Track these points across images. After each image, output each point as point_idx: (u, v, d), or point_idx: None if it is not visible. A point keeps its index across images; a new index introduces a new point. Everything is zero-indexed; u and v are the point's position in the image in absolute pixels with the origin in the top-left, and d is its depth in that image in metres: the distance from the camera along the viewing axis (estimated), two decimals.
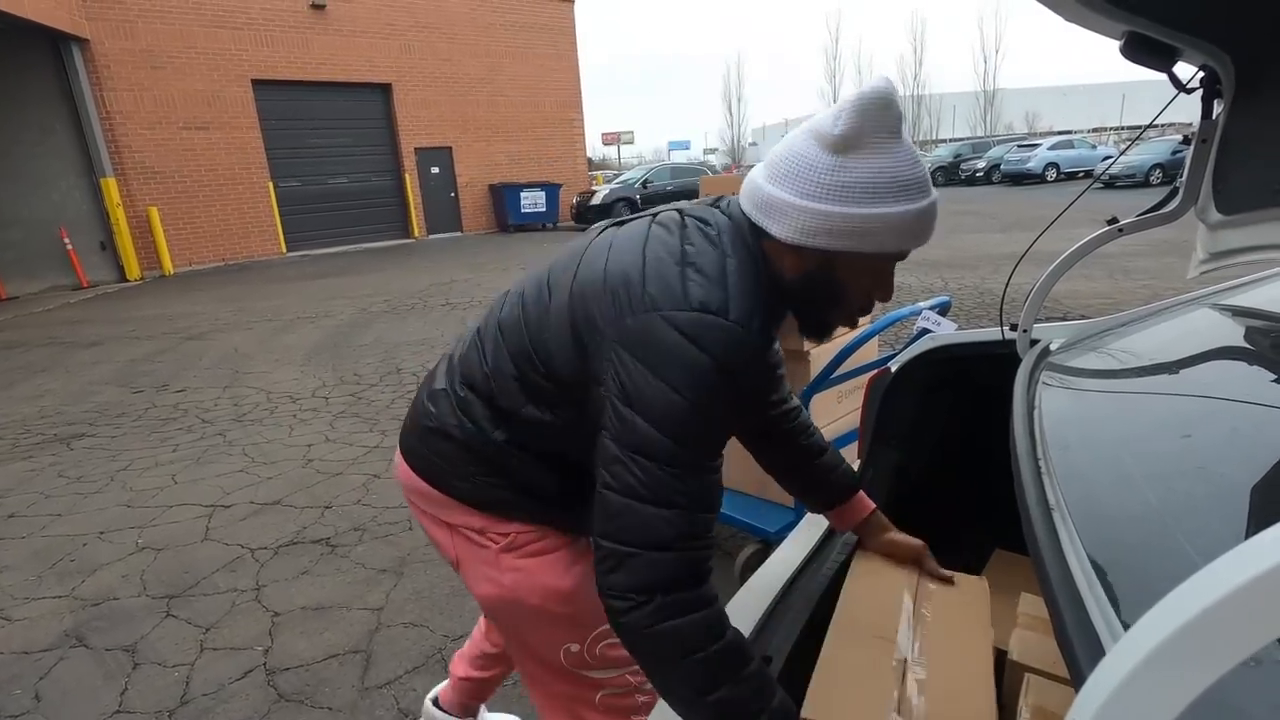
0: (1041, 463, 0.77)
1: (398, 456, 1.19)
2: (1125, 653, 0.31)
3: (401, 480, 1.18)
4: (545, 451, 1.03)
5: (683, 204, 0.98)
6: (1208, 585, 0.29)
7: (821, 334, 0.96)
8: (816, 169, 0.80)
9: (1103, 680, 0.32)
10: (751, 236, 0.89)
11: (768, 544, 2.26)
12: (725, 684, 0.81)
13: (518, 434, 1.02)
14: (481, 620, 1.54)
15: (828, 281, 0.87)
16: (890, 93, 0.78)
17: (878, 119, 0.78)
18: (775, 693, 0.85)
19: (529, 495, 1.05)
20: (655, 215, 0.96)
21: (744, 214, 0.90)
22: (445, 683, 1.65)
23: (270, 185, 14.17)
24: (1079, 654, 0.47)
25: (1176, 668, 0.30)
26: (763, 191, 0.86)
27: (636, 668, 0.96)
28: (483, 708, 1.71)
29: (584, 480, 0.94)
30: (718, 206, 0.95)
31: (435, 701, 1.64)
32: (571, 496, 1.05)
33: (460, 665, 1.58)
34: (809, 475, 1.21)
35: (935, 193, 0.83)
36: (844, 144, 0.79)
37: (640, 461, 0.81)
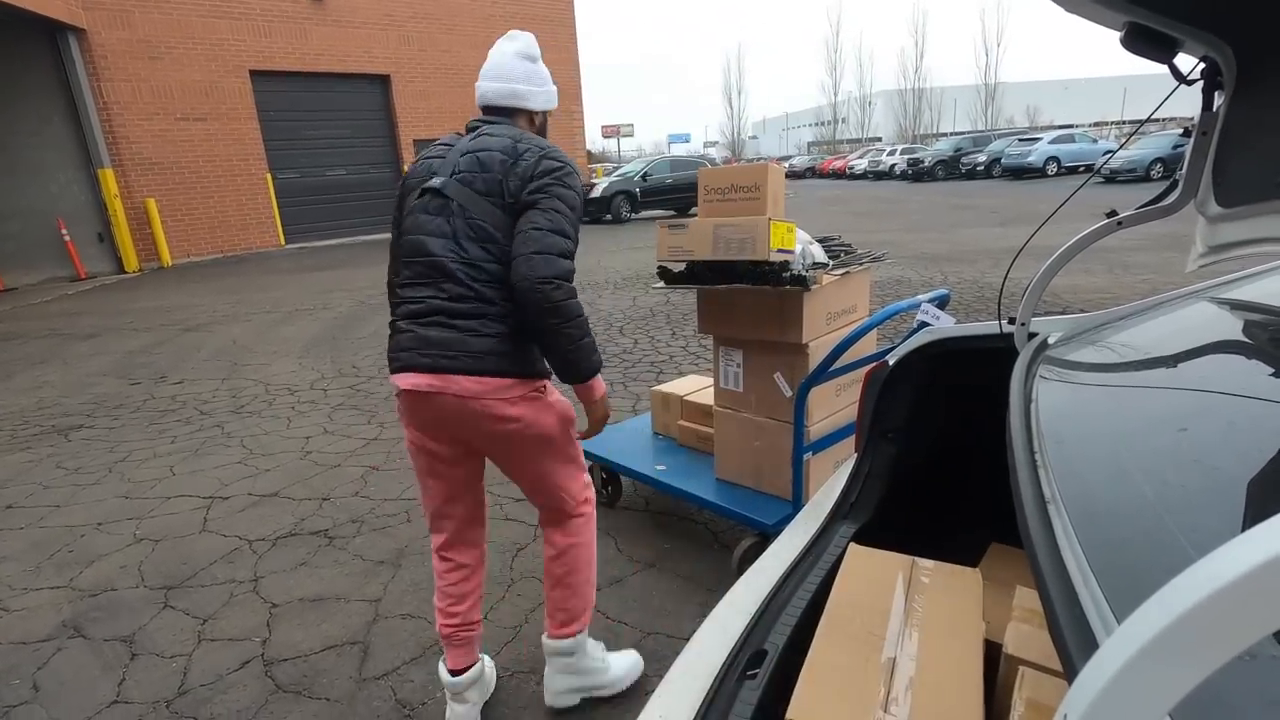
0: (1038, 456, 0.77)
1: (407, 380, 1.55)
2: (1118, 647, 0.31)
3: (450, 412, 1.53)
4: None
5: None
6: (1201, 580, 0.29)
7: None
8: (539, 79, 1.73)
9: (1096, 674, 0.32)
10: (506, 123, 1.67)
11: (765, 537, 2.27)
12: (588, 334, 1.54)
13: (506, 290, 1.52)
14: (444, 593, 1.78)
15: (543, 126, 1.77)
16: (527, 48, 1.71)
17: (526, 53, 1.72)
18: (591, 354, 1.57)
19: (530, 346, 1.57)
20: (470, 137, 1.68)
21: (492, 111, 1.72)
22: (447, 656, 1.80)
23: (268, 177, 14.13)
24: (1072, 648, 0.46)
25: (1170, 662, 0.30)
26: (510, 90, 1.70)
27: (584, 467, 1.78)
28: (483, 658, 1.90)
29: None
30: (485, 120, 1.71)
31: (455, 673, 1.78)
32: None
33: (446, 622, 1.77)
34: None
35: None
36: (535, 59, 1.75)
37: (550, 235, 1.49)
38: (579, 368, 1.54)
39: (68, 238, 11.43)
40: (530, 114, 1.71)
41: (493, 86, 1.65)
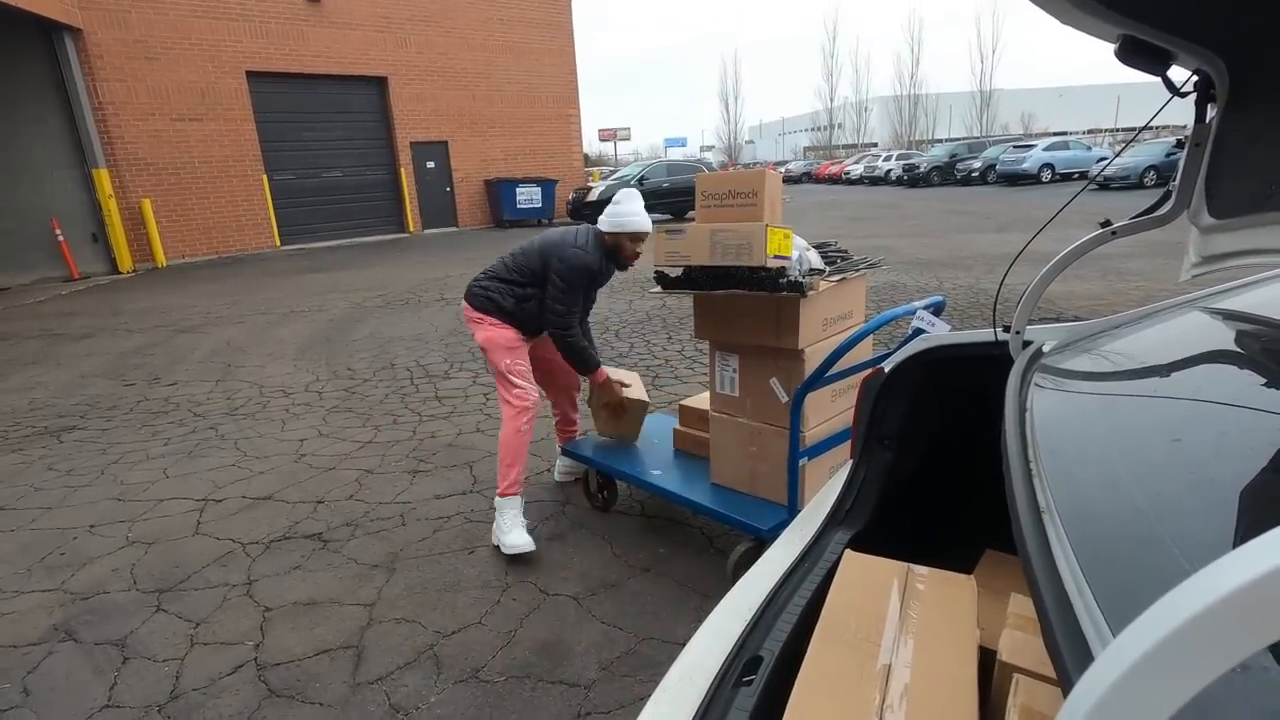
0: (1032, 465, 0.77)
1: (464, 302, 2.83)
2: (1115, 658, 0.31)
3: (464, 312, 2.83)
4: (515, 295, 2.71)
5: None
6: (1196, 592, 0.29)
7: (616, 265, 2.81)
8: (615, 210, 2.72)
9: (1092, 686, 0.32)
10: (598, 233, 2.75)
11: (760, 542, 2.27)
12: (578, 354, 2.77)
13: (509, 284, 2.72)
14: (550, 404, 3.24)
15: (617, 245, 2.73)
16: (630, 191, 2.79)
17: (619, 194, 2.76)
18: (590, 359, 2.81)
19: (502, 311, 2.71)
20: (565, 227, 2.83)
21: (597, 228, 2.77)
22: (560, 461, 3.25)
23: (264, 178, 14.10)
24: (1066, 657, 0.47)
25: (1164, 675, 0.30)
26: (605, 218, 2.75)
27: (517, 384, 2.72)
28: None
29: (528, 317, 2.74)
30: (584, 226, 2.80)
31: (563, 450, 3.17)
32: (518, 317, 2.72)
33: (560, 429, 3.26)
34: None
35: (645, 217, 2.73)
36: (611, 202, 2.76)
37: (553, 304, 2.67)
38: (579, 368, 2.86)
39: (61, 238, 11.38)
40: (604, 234, 2.74)
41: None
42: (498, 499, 2.70)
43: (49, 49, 11.12)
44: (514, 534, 2.64)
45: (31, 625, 2.38)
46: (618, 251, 2.73)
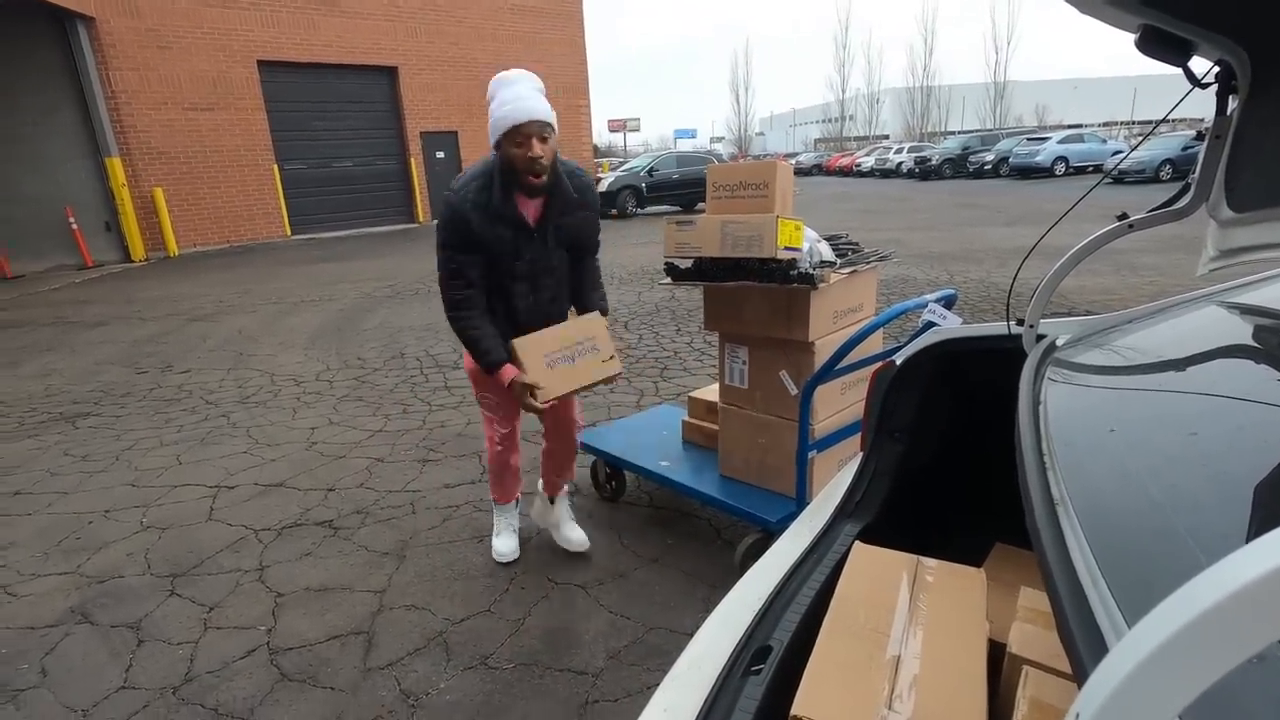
0: (1046, 458, 0.77)
1: None
2: (1132, 648, 0.32)
3: None
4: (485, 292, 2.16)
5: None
6: (1212, 584, 0.29)
7: (522, 189, 2.01)
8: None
9: (1109, 674, 0.32)
10: (496, 153, 2.01)
11: (768, 533, 2.27)
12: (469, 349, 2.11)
13: None
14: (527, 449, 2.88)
15: (506, 158, 1.96)
16: (515, 72, 1.96)
17: (499, 80, 1.94)
18: (485, 355, 2.08)
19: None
20: None
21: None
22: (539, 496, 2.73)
23: (275, 167, 14.15)
24: (1081, 648, 0.47)
25: (1182, 664, 0.30)
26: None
27: (485, 414, 2.38)
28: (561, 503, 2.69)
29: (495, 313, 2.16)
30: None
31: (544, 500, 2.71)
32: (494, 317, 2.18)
33: (515, 467, 2.59)
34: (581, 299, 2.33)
35: (525, 100, 1.91)
36: (490, 95, 1.95)
37: (439, 258, 2.06)
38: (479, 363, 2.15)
39: (75, 226, 11.47)
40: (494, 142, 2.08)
41: None
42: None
43: (62, 37, 11.17)
44: (498, 540, 2.60)
45: (49, 608, 2.42)
46: (512, 168, 1.95)
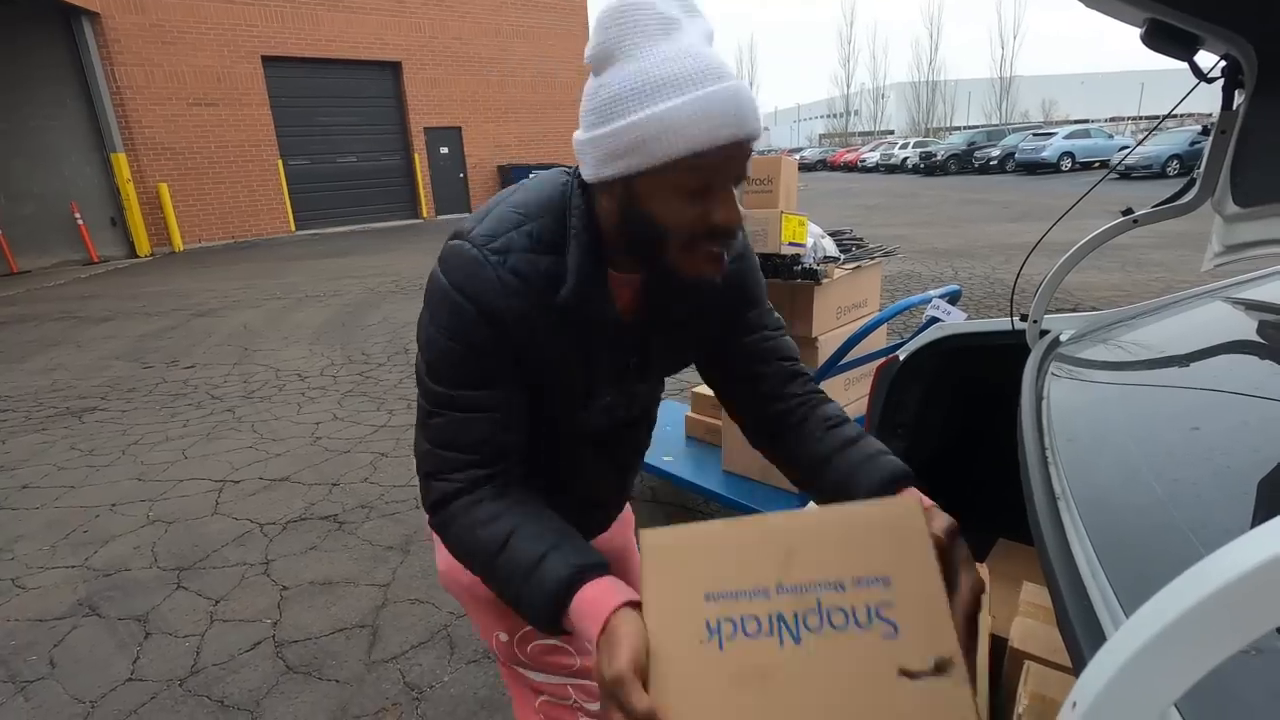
0: (1048, 453, 0.77)
1: None
2: (1128, 637, 0.32)
3: None
4: None
5: None
6: (1209, 574, 0.30)
7: (673, 281, 0.80)
8: (587, 97, 0.74)
9: (1105, 664, 0.32)
10: (576, 185, 0.81)
11: None
12: (490, 580, 0.80)
13: None
14: None
15: (639, 216, 0.74)
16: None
17: (624, 23, 0.70)
18: (528, 575, 0.75)
19: None
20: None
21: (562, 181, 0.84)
22: None
23: (280, 163, 14.16)
24: (1081, 640, 0.47)
25: (1177, 654, 0.30)
26: (574, 140, 0.78)
27: (580, 680, 1.04)
28: None
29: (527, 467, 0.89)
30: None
31: None
32: None
33: None
34: (839, 472, 0.89)
35: (729, 78, 0.70)
36: (597, 64, 0.73)
37: (419, 388, 0.84)
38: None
39: (81, 221, 11.50)
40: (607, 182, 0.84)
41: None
42: None
43: (68, 33, 11.19)
44: None
45: (57, 600, 2.44)
46: (643, 227, 0.75)
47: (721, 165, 0.71)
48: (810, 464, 0.93)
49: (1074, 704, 0.33)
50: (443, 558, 1.01)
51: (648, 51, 0.69)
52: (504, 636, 1.04)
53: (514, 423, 0.83)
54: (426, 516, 0.85)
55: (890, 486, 0.85)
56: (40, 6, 10.47)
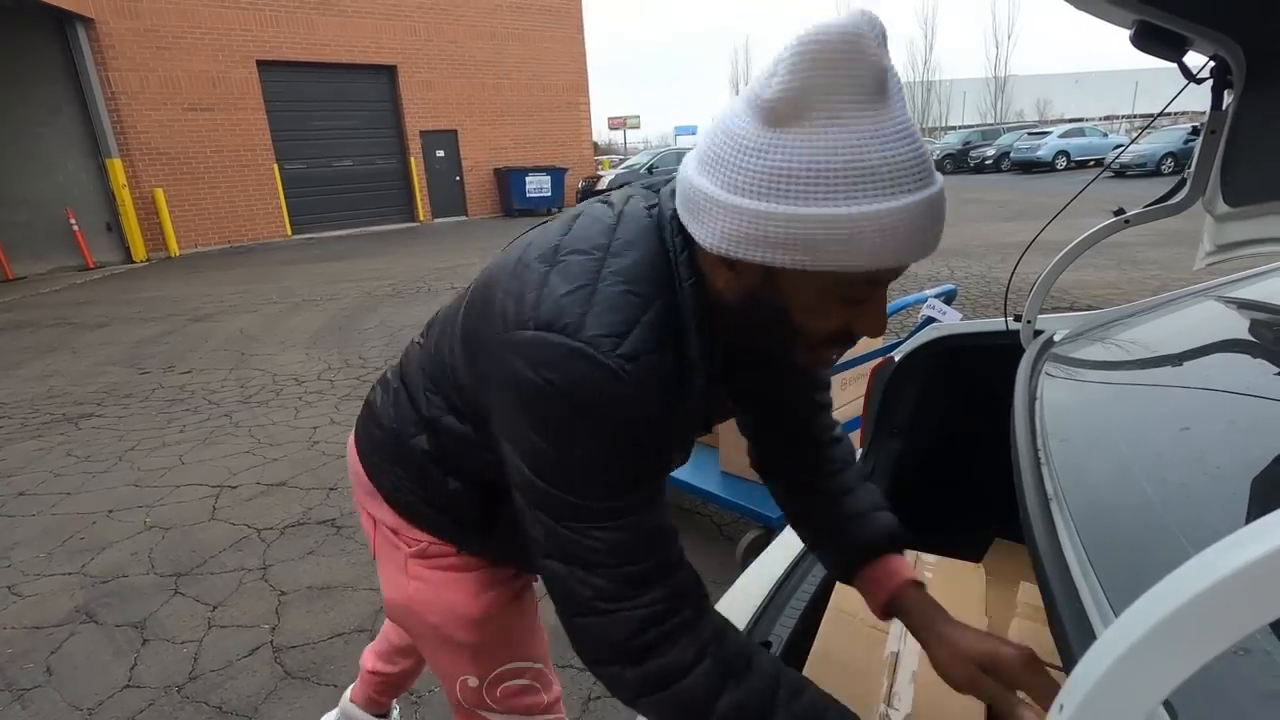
0: (1041, 453, 0.77)
1: (350, 435, 1.09)
2: (1115, 638, 0.32)
3: (348, 460, 1.07)
4: (466, 469, 0.87)
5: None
6: (1195, 574, 0.30)
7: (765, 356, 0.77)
8: (745, 150, 0.56)
9: (1093, 664, 0.33)
10: (678, 240, 0.65)
11: (769, 530, 2.28)
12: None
13: (439, 445, 0.87)
14: None
15: (774, 310, 0.62)
16: (856, 31, 0.52)
17: (832, 72, 0.52)
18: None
19: (445, 514, 0.91)
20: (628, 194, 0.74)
21: (675, 210, 0.66)
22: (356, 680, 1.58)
23: (275, 167, 14.15)
24: (1072, 641, 0.47)
25: (1164, 654, 0.31)
26: (688, 182, 0.62)
27: (550, 716, 1.02)
28: (394, 706, 1.64)
29: (506, 504, 0.76)
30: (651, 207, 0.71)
31: (350, 698, 1.59)
32: (491, 521, 0.89)
33: (369, 659, 1.48)
34: (829, 523, 0.92)
35: (940, 181, 0.57)
36: (780, 113, 0.53)
37: (539, 515, 0.67)
38: None
39: (76, 227, 11.47)
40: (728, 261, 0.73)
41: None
42: None
43: (62, 38, 11.17)
44: None
45: (54, 607, 2.43)
46: (773, 321, 0.65)
47: (892, 275, 0.59)
48: (815, 531, 0.96)
49: (1061, 706, 0.33)
50: (398, 588, 0.95)
51: (855, 122, 0.52)
52: (474, 681, 0.98)
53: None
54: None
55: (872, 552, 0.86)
56: (33, 12, 10.45)
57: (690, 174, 0.62)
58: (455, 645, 0.96)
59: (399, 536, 0.96)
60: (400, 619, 0.99)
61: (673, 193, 0.68)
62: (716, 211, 0.58)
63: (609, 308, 0.61)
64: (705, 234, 0.60)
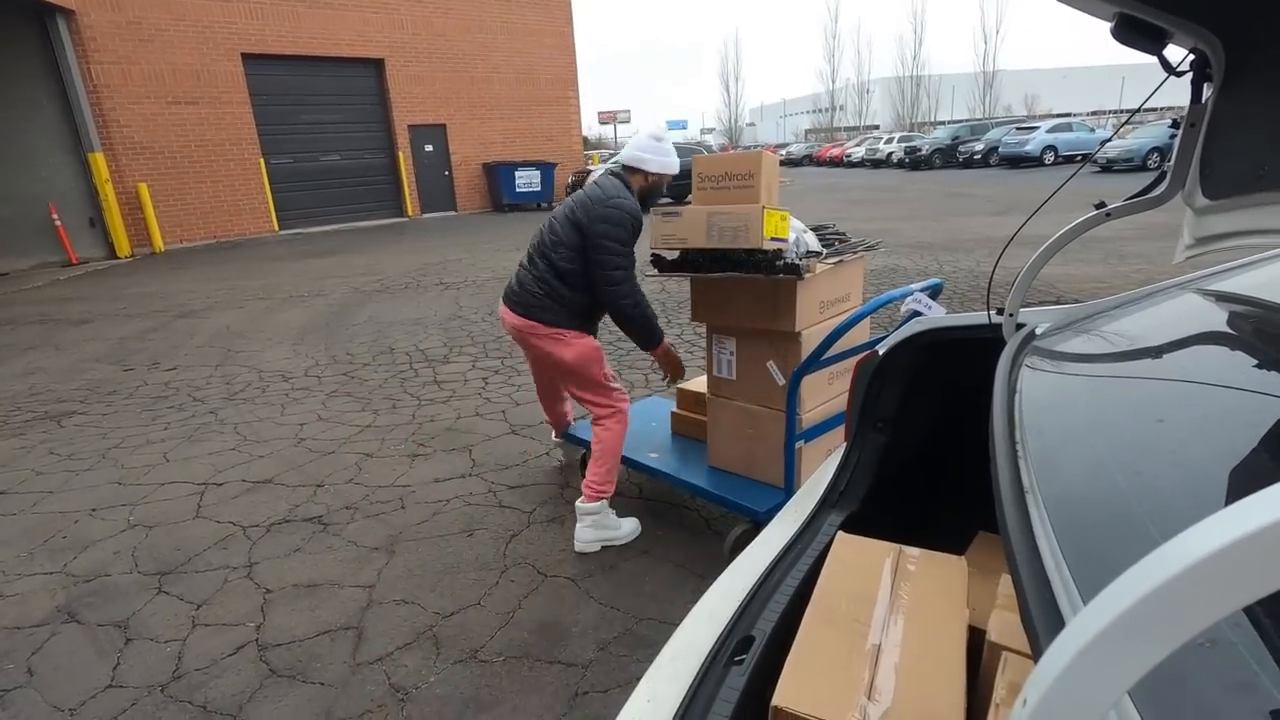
0: (1019, 446, 0.78)
1: (502, 309, 2.57)
2: (1079, 629, 0.32)
3: (507, 323, 2.54)
4: (579, 285, 2.42)
5: (605, 167, 2.55)
6: (1156, 566, 0.30)
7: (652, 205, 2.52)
8: (651, 147, 2.50)
9: (1057, 655, 0.33)
10: (623, 175, 2.47)
11: (757, 524, 2.28)
12: (646, 324, 2.47)
13: (566, 279, 2.41)
14: (539, 390, 3.03)
15: (652, 188, 2.54)
16: (659, 132, 2.57)
17: (660, 137, 2.55)
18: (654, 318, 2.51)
19: (575, 315, 2.47)
20: (596, 178, 2.48)
21: (623, 168, 2.49)
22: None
23: (261, 162, 14.01)
24: (1041, 633, 0.47)
25: (1127, 644, 0.31)
26: (634, 155, 2.48)
27: (616, 386, 2.57)
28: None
29: (595, 308, 2.50)
30: (613, 172, 2.48)
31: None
32: (590, 315, 2.54)
33: (551, 419, 3.10)
34: None
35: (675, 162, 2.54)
36: (660, 141, 2.53)
37: (604, 274, 2.37)
38: (645, 343, 2.53)
39: (59, 223, 11.32)
40: (644, 173, 2.50)
41: (624, 151, 2.55)
42: (591, 505, 2.53)
43: (42, 31, 10.99)
44: (625, 523, 2.63)
45: (35, 607, 2.40)
46: (651, 194, 2.52)
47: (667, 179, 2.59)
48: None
49: (1025, 701, 0.33)
50: (572, 353, 2.48)
51: (670, 144, 2.55)
52: (605, 370, 2.55)
53: None
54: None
55: None
56: (12, 5, 10.28)
57: (635, 152, 2.49)
58: (591, 361, 2.51)
59: (560, 332, 2.45)
60: (571, 364, 2.49)
61: (619, 166, 2.50)
62: (646, 160, 2.49)
63: (621, 194, 2.39)
64: (643, 167, 2.50)
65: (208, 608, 2.35)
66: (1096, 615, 0.31)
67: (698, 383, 2.88)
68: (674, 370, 2.64)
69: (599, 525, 2.58)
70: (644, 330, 2.45)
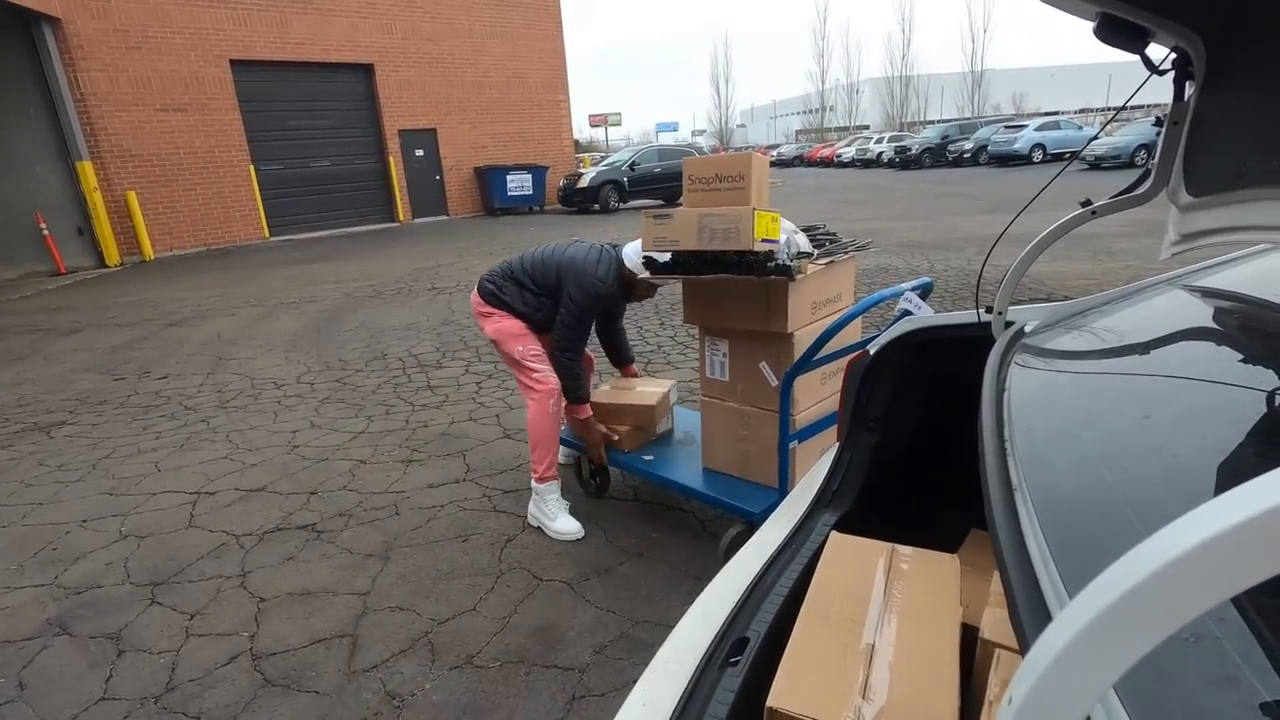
0: (1007, 444, 0.78)
1: (474, 294, 2.82)
2: (1063, 625, 0.32)
3: (473, 304, 2.81)
4: (529, 295, 2.69)
5: (598, 242, 2.75)
6: (1140, 562, 0.30)
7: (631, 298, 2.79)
8: (632, 260, 2.59)
9: (1042, 652, 0.33)
10: (620, 266, 2.64)
11: (752, 525, 2.28)
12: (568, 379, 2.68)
13: (523, 287, 2.70)
14: None
15: (635, 284, 2.64)
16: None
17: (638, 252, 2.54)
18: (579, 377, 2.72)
19: (513, 305, 2.70)
20: (589, 244, 2.73)
21: (621, 258, 2.64)
22: None
23: (251, 168, 13.95)
24: (1029, 630, 0.48)
25: (1111, 640, 0.31)
26: (629, 257, 2.60)
27: (536, 368, 2.69)
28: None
29: (541, 313, 2.71)
30: (607, 248, 2.72)
31: None
32: (544, 326, 2.71)
33: None
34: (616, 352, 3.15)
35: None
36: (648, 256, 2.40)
37: (559, 331, 2.63)
38: (568, 397, 2.72)
39: (47, 231, 11.24)
40: (635, 278, 2.64)
41: (629, 253, 2.64)
42: (536, 485, 2.71)
43: (28, 39, 10.92)
44: (561, 520, 2.70)
45: (26, 620, 2.38)
46: (633, 289, 2.67)
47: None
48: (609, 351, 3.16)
49: (1010, 699, 0.33)
50: (492, 327, 2.74)
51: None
52: (520, 348, 2.69)
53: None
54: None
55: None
56: None
57: (638, 260, 2.51)
58: (515, 336, 2.71)
59: (489, 308, 2.75)
60: (502, 338, 2.71)
61: (621, 253, 2.68)
62: (632, 263, 2.58)
63: (605, 278, 2.61)
64: (630, 265, 2.60)
65: (201, 618, 2.34)
66: (1080, 611, 0.31)
67: (633, 393, 2.99)
68: (591, 444, 2.77)
69: (538, 506, 2.75)
70: (567, 386, 2.67)
